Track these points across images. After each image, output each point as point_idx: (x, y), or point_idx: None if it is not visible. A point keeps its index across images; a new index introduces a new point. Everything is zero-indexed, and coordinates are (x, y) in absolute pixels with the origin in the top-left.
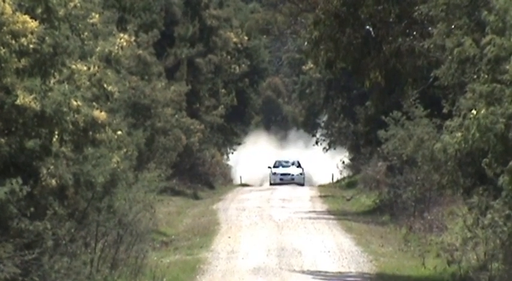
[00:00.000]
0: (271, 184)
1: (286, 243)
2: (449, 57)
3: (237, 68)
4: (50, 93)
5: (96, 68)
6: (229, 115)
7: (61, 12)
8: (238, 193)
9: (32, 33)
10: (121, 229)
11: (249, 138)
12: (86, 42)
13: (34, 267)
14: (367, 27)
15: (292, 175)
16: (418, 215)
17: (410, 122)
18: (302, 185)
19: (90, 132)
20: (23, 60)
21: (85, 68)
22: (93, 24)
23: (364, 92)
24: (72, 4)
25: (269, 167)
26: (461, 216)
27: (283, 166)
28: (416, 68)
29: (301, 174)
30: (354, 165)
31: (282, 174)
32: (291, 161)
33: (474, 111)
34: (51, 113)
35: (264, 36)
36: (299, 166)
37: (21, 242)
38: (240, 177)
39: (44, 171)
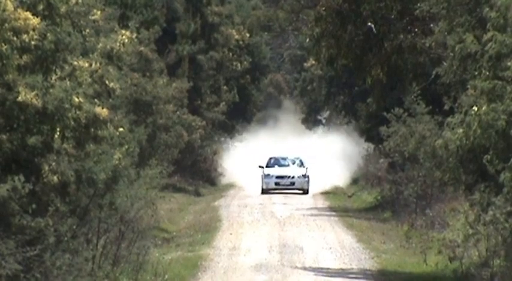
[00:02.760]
0: (263, 191)
1: (288, 240)
2: (451, 54)
3: (239, 64)
4: (51, 90)
5: (98, 64)
6: (231, 112)
7: (62, 8)
8: (240, 190)
9: (33, 29)
10: (123, 226)
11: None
12: (87, 38)
13: (36, 264)
14: (369, 24)
15: (292, 177)
16: (419, 212)
17: (412, 119)
18: (306, 192)
19: (92, 129)
20: (24, 57)
21: (87, 64)
22: (94, 21)
23: (365, 88)
24: (73, 1)
25: (260, 167)
26: (463, 213)
27: (280, 165)
28: (418, 65)
29: (304, 176)
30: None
31: (277, 177)
32: (290, 157)
33: (475, 108)
34: (53, 109)
35: (266, 33)
36: (302, 165)
37: (22, 239)
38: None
39: (46, 168)
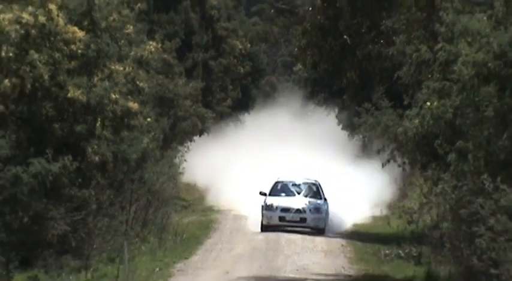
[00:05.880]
0: (263, 228)
1: None
2: (409, 60)
3: (242, 68)
4: (94, 89)
5: (130, 68)
6: (236, 106)
7: (103, 24)
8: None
9: (79, 41)
10: (150, 196)
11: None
12: (122, 48)
13: (81, 226)
14: (345, 37)
15: (303, 210)
16: None
17: (378, 112)
18: (321, 232)
19: (126, 119)
20: (72, 63)
21: (121, 68)
22: (128, 34)
23: (342, 87)
24: (111, 18)
25: (262, 194)
26: (419, 186)
27: (288, 193)
28: (383, 69)
29: (319, 210)
30: None
31: (283, 209)
32: (303, 181)
33: (429, 103)
34: (95, 104)
35: (263, 43)
36: (318, 193)
37: (71, 206)
38: None
39: (89, 150)
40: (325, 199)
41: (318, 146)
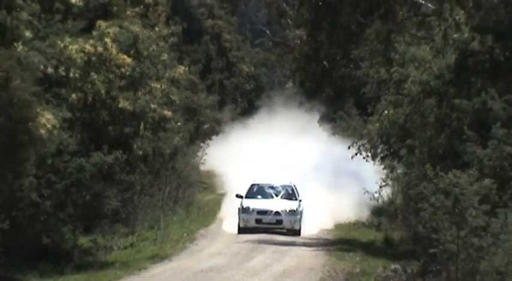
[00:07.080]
0: (240, 230)
1: None
2: (372, 80)
3: (248, 86)
4: (138, 101)
5: (165, 86)
6: (243, 113)
7: (145, 53)
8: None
9: (127, 65)
10: (179, 180)
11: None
12: (159, 70)
13: (128, 202)
14: (324, 62)
15: (279, 213)
16: None
17: (349, 118)
18: (297, 233)
19: (162, 123)
20: (122, 81)
21: (159, 86)
22: (163, 60)
23: (322, 100)
24: (151, 48)
25: (239, 196)
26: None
27: (265, 195)
28: (353, 87)
29: (294, 212)
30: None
31: (259, 212)
32: (278, 185)
33: (386, 112)
34: (139, 112)
35: (264, 67)
36: (293, 195)
37: (121, 188)
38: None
39: (135, 146)
40: (300, 200)
41: (305, 141)
